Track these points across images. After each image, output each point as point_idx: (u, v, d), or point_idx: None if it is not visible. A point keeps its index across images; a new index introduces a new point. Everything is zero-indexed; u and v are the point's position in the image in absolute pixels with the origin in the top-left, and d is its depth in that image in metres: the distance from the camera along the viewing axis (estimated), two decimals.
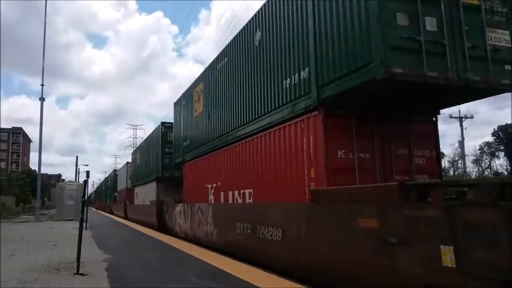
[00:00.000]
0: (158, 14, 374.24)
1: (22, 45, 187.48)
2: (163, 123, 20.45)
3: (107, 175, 67.87)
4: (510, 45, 6.44)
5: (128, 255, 9.06)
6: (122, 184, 36.08)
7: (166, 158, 19.32)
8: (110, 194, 46.77)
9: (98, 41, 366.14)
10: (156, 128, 21.93)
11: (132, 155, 32.60)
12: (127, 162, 34.37)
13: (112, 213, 38.85)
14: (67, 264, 7.26)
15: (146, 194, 22.88)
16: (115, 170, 46.32)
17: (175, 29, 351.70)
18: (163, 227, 16.52)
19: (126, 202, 30.12)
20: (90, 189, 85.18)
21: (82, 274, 6.29)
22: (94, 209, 61.69)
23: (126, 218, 27.78)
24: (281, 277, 6.02)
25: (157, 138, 20.83)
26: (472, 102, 8.39)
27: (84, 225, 7.76)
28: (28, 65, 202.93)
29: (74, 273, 6.36)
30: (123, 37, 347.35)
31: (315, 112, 6.90)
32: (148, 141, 24.45)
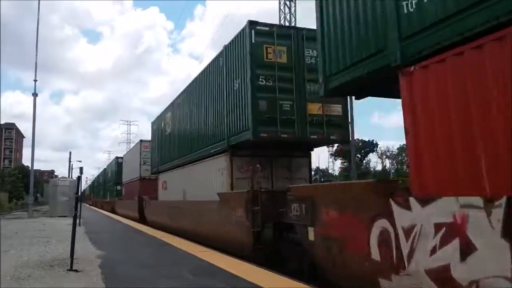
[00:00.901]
0: (154, 9, 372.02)
1: (17, 40, 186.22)
2: (252, 24, 9.66)
3: (102, 168, 62.64)
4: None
5: (121, 251, 9.01)
6: (131, 173, 26.62)
7: (261, 100, 9.44)
8: (111, 188, 38.37)
9: (93, 36, 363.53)
10: (234, 41, 10.50)
11: (152, 126, 21.61)
12: (141, 141, 24.60)
13: (113, 212, 30.73)
14: (60, 260, 7.21)
15: (196, 181, 13.27)
16: (117, 158, 36.10)
17: (170, 25, 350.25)
18: (275, 258, 7.63)
19: (143, 198, 20.50)
20: (84, 185, 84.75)
21: (76, 271, 6.24)
22: (87, 205, 60.67)
23: (142, 221, 19.28)
24: (276, 273, 6.02)
25: (241, 60, 9.97)
26: None
27: (77, 221, 7.70)
28: (23, 61, 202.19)
29: (67, 270, 6.31)
30: (118, 33, 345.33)
31: None
32: (200, 81, 13.12)
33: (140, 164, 23.56)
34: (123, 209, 27.01)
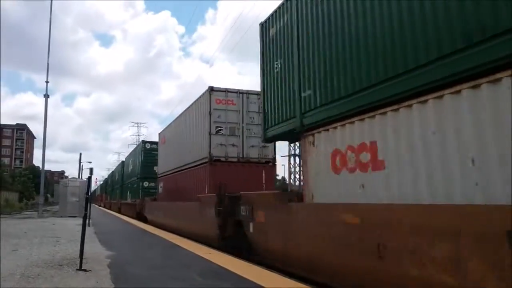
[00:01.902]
0: (165, 13, 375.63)
1: (31, 43, 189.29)
2: None
3: (112, 169, 57.79)
4: None
5: (131, 252, 9.05)
6: (184, 156, 15.90)
7: None
8: (133, 185, 28.62)
9: (105, 40, 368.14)
10: None
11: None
12: (211, 88, 13.43)
13: (141, 219, 21.67)
14: (70, 260, 7.27)
15: None
16: (144, 142, 27.07)
17: (181, 29, 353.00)
18: None
19: (241, 195, 9.54)
20: (94, 186, 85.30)
21: (85, 270, 6.28)
22: (97, 206, 59.27)
23: (240, 249, 9.18)
24: (284, 276, 5.99)
25: None
26: None
27: (87, 221, 7.75)
28: (36, 63, 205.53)
29: (76, 269, 6.36)
30: (130, 36, 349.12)
31: None
32: None
33: (210, 134, 13.20)
34: (168, 217, 16.51)
